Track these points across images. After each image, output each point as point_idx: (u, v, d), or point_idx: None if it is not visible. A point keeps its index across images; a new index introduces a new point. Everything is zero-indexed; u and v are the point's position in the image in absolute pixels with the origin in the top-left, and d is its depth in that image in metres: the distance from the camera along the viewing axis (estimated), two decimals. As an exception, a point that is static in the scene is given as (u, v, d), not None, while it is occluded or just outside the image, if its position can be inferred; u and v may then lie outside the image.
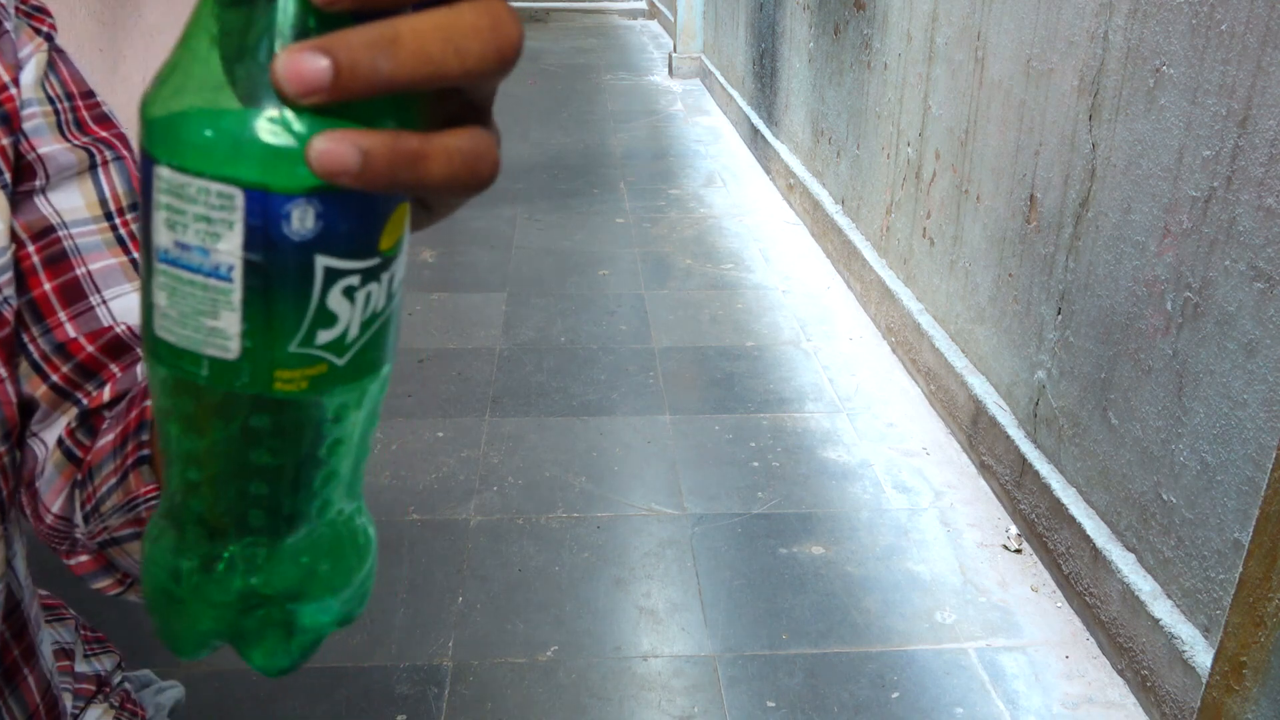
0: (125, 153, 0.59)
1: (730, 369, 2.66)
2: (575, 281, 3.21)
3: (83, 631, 0.76)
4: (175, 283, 0.28)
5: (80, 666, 0.73)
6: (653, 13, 9.02)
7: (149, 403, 0.51)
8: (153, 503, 0.50)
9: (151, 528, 0.35)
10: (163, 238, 0.28)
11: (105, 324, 0.56)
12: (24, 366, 0.55)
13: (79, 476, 0.55)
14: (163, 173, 0.27)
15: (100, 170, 0.57)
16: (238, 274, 0.27)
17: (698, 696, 1.60)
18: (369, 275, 0.29)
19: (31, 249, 0.55)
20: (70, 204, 0.56)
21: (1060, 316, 1.87)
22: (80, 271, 0.55)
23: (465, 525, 2.01)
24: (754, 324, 2.93)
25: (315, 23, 0.26)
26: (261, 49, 0.26)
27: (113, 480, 0.52)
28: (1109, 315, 1.70)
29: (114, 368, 0.56)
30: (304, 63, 0.25)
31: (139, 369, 0.56)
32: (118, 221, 0.57)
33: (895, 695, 1.61)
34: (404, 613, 1.77)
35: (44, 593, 0.76)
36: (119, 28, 3.42)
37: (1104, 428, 1.72)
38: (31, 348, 0.55)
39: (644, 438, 2.33)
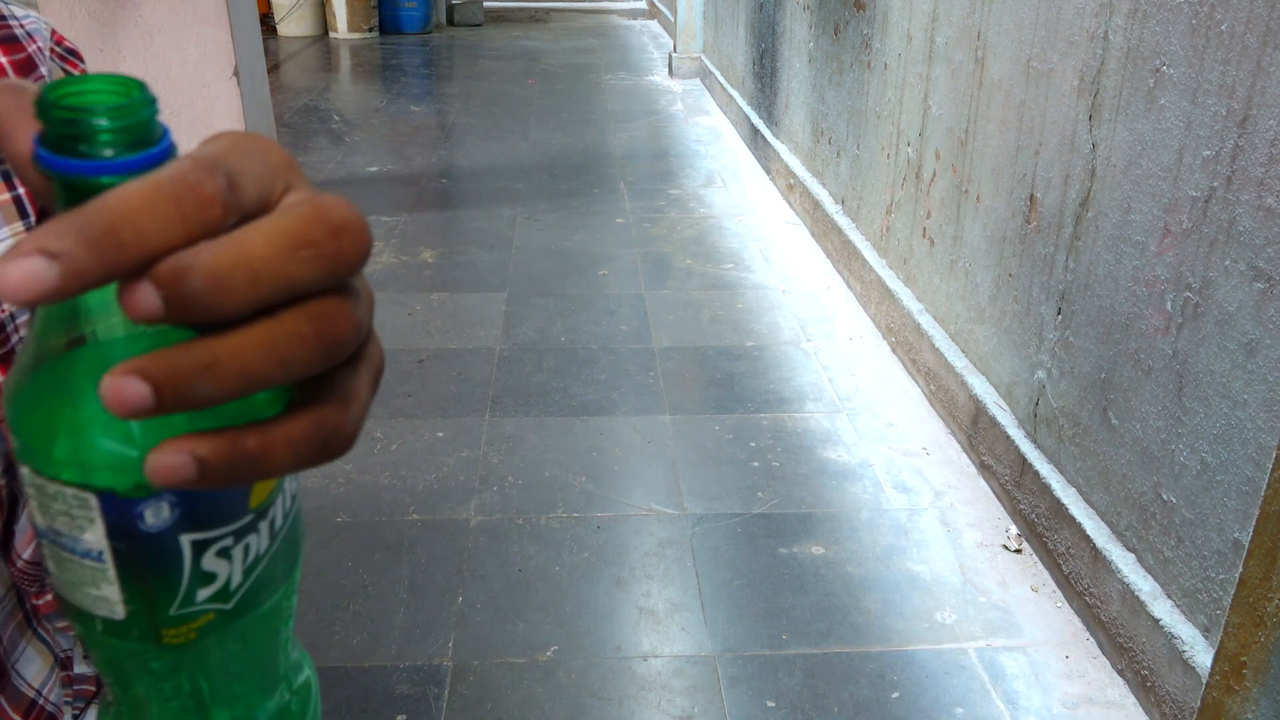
0: None
1: (730, 369, 2.66)
2: (575, 281, 3.21)
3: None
4: (58, 557, 0.29)
5: (80, 668, 0.73)
6: (653, 13, 9.02)
7: None
8: None
9: (100, 712, 0.36)
10: (39, 520, 0.29)
11: None
12: None
13: None
14: (25, 473, 0.28)
15: None
16: (108, 557, 0.28)
17: (698, 696, 1.60)
18: (243, 532, 0.29)
19: None
20: None
21: (1060, 316, 1.87)
22: None
23: (465, 525, 2.01)
24: (754, 324, 2.93)
25: (136, 334, 0.26)
26: (95, 357, 0.27)
27: None
28: (1109, 315, 1.70)
29: None
30: (125, 388, 0.24)
31: None
32: None
33: (895, 695, 1.61)
34: (404, 613, 1.77)
35: (49, 598, 0.76)
36: (119, 28, 3.42)
37: (1104, 428, 1.72)
38: None
39: (644, 438, 2.33)
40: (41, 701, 0.64)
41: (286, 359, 0.26)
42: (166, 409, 0.25)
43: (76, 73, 0.58)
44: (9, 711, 0.61)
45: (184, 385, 0.25)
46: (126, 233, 0.23)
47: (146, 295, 0.24)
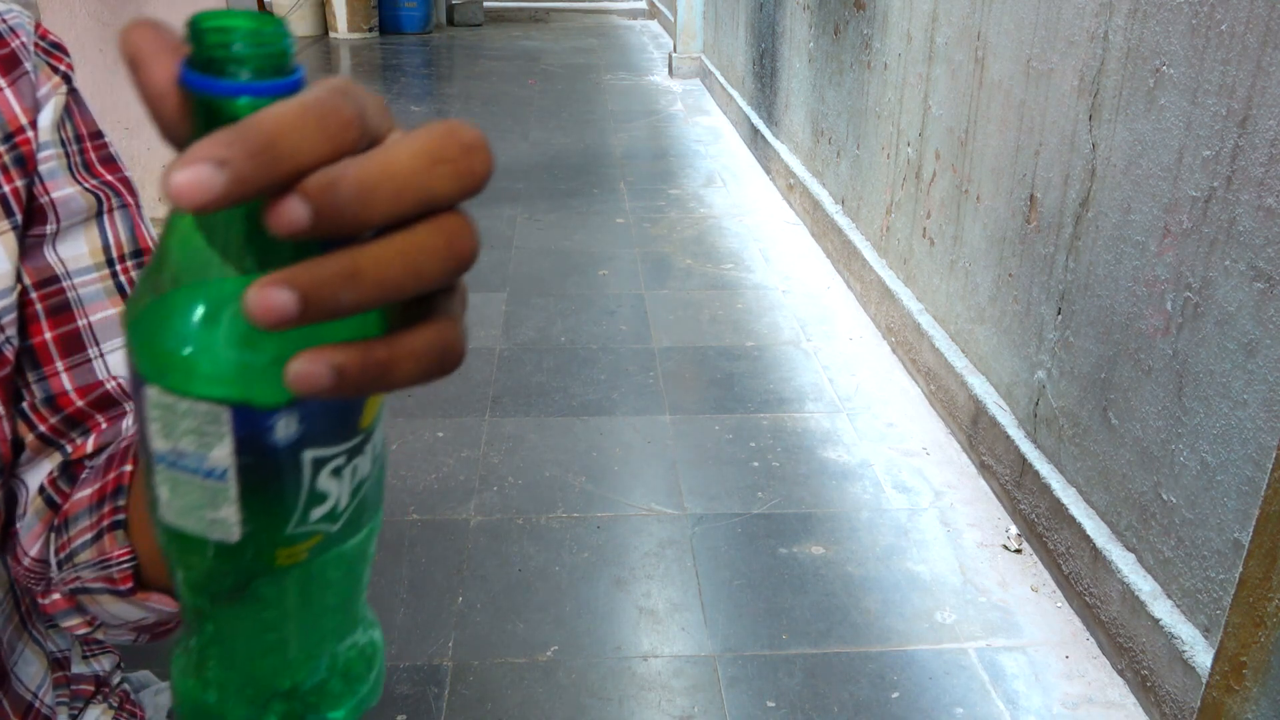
0: (130, 199, 0.60)
1: (730, 369, 2.66)
2: (575, 281, 3.21)
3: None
4: (175, 481, 0.30)
5: (78, 668, 0.73)
6: (653, 13, 9.02)
7: (127, 467, 0.52)
8: (125, 566, 0.51)
9: (178, 653, 0.37)
10: (159, 444, 0.29)
11: (99, 378, 0.57)
12: (15, 413, 0.56)
13: (56, 522, 0.55)
14: (152, 393, 0.29)
15: (106, 217, 0.58)
16: (232, 475, 0.29)
17: (698, 696, 1.60)
18: (354, 452, 0.31)
19: (35, 296, 0.55)
20: (75, 252, 0.57)
21: (1060, 316, 1.87)
22: (81, 323, 0.56)
23: (465, 525, 2.01)
24: (754, 324, 2.93)
25: (277, 249, 0.27)
26: (231, 276, 0.28)
27: (87, 536, 0.53)
28: (1109, 315, 1.70)
29: (100, 419, 0.57)
30: (271, 297, 0.25)
31: (124, 423, 0.57)
32: (119, 268, 0.58)
33: (895, 695, 1.61)
34: (404, 613, 1.77)
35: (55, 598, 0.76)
36: (119, 28, 3.41)
37: (1104, 428, 1.72)
38: (25, 394, 0.56)
39: (644, 438, 2.33)
40: (38, 704, 0.64)
41: (420, 270, 0.27)
42: (309, 318, 0.26)
43: (61, 68, 0.58)
44: (9, 713, 0.61)
45: (328, 293, 0.26)
46: (283, 146, 0.25)
47: (295, 208, 0.25)
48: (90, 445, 0.56)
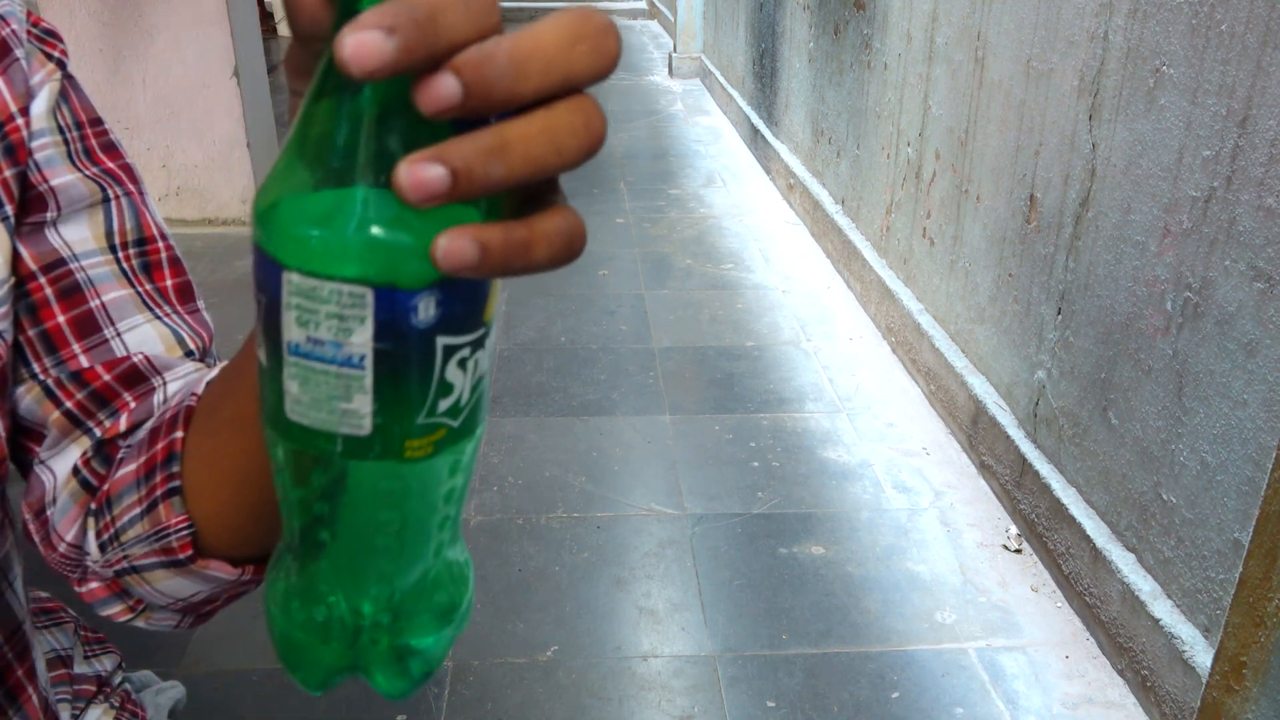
0: (133, 188, 0.59)
1: (730, 369, 2.66)
2: (575, 281, 3.21)
3: (82, 633, 0.76)
4: (308, 373, 0.30)
5: (80, 668, 0.73)
6: (653, 13, 9.02)
7: (178, 434, 0.51)
8: (185, 533, 0.51)
9: (276, 580, 0.37)
10: (294, 334, 0.30)
11: (120, 354, 0.56)
12: (35, 393, 0.55)
13: (94, 506, 0.54)
14: (292, 278, 0.29)
15: (112, 204, 0.57)
16: (369, 362, 0.29)
17: (698, 696, 1.60)
18: (477, 345, 0.31)
19: (43, 280, 0.55)
20: (79, 235, 0.56)
21: (1060, 316, 1.87)
22: (94, 304, 0.55)
23: (465, 525, 2.01)
24: (754, 324, 2.93)
25: (422, 128, 0.28)
26: (375, 157, 0.28)
27: (136, 510, 0.52)
28: (1109, 315, 1.70)
29: (128, 397, 0.56)
30: (424, 172, 0.26)
31: (155, 399, 0.56)
32: (120, 255, 0.57)
33: (895, 695, 1.61)
34: (404, 613, 1.77)
35: (44, 595, 0.76)
36: (119, 28, 3.42)
37: (1104, 428, 1.72)
38: (44, 376, 0.55)
39: (644, 438, 2.33)
40: (50, 701, 0.65)
41: (561, 147, 0.28)
42: (460, 193, 0.27)
43: (55, 54, 0.57)
44: (35, 708, 0.62)
45: (478, 167, 0.27)
46: (442, 21, 0.26)
47: (448, 83, 0.26)
48: (123, 424, 0.55)
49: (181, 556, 0.51)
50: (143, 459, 0.52)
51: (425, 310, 0.29)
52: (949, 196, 2.40)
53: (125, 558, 0.53)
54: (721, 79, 5.50)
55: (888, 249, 2.87)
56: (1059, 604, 1.81)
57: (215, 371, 0.53)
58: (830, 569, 1.90)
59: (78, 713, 0.70)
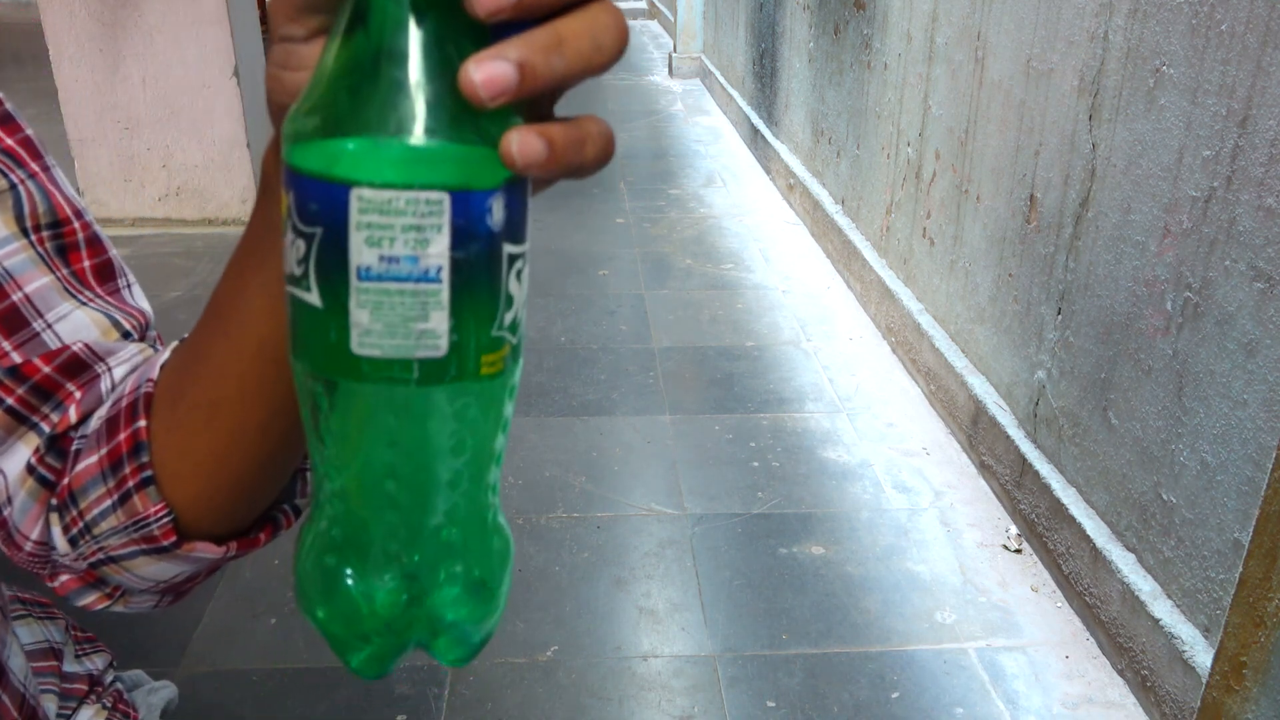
0: (36, 166, 0.56)
1: (730, 369, 2.66)
2: (575, 281, 3.21)
3: (73, 632, 0.76)
4: (381, 297, 0.30)
5: (70, 666, 0.73)
6: (653, 13, 9.01)
7: (141, 423, 0.50)
8: (165, 521, 0.50)
9: (316, 554, 0.37)
10: (365, 256, 0.29)
11: (56, 345, 0.53)
12: None
13: (55, 502, 0.53)
14: (364, 194, 0.29)
15: (20, 189, 0.54)
16: (445, 273, 0.30)
17: (698, 696, 1.60)
18: (525, 258, 0.32)
19: None
20: None
21: (1060, 316, 1.87)
22: (17, 297, 0.53)
23: (465, 525, 2.01)
24: (754, 324, 2.93)
25: (469, 38, 0.29)
26: (435, 66, 0.29)
27: (107, 503, 0.51)
28: (1109, 315, 1.70)
29: (72, 388, 0.54)
30: (493, 69, 0.28)
31: (102, 386, 0.54)
32: (33, 239, 0.55)
33: (895, 695, 1.61)
34: (404, 613, 1.77)
35: (31, 594, 0.75)
36: (119, 28, 3.42)
37: (1104, 428, 1.72)
38: None
39: (644, 438, 2.33)
40: (28, 695, 0.64)
41: (603, 45, 0.30)
42: (525, 88, 0.28)
43: None
44: (9, 707, 0.61)
45: (541, 62, 0.29)
46: None
47: None
48: (73, 415, 0.53)
49: (165, 544, 0.51)
50: (105, 450, 0.51)
51: (495, 212, 0.30)
52: (949, 196, 2.40)
53: (100, 549, 0.53)
54: (721, 79, 5.50)
55: (888, 249, 2.87)
56: (1059, 604, 1.81)
57: (168, 354, 0.52)
58: (830, 569, 1.90)
59: (68, 712, 0.70)
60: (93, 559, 0.54)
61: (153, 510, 0.50)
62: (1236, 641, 1.03)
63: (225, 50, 3.46)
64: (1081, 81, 1.76)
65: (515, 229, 0.31)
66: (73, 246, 0.56)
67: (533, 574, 1.87)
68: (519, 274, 0.32)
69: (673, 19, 6.75)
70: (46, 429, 0.53)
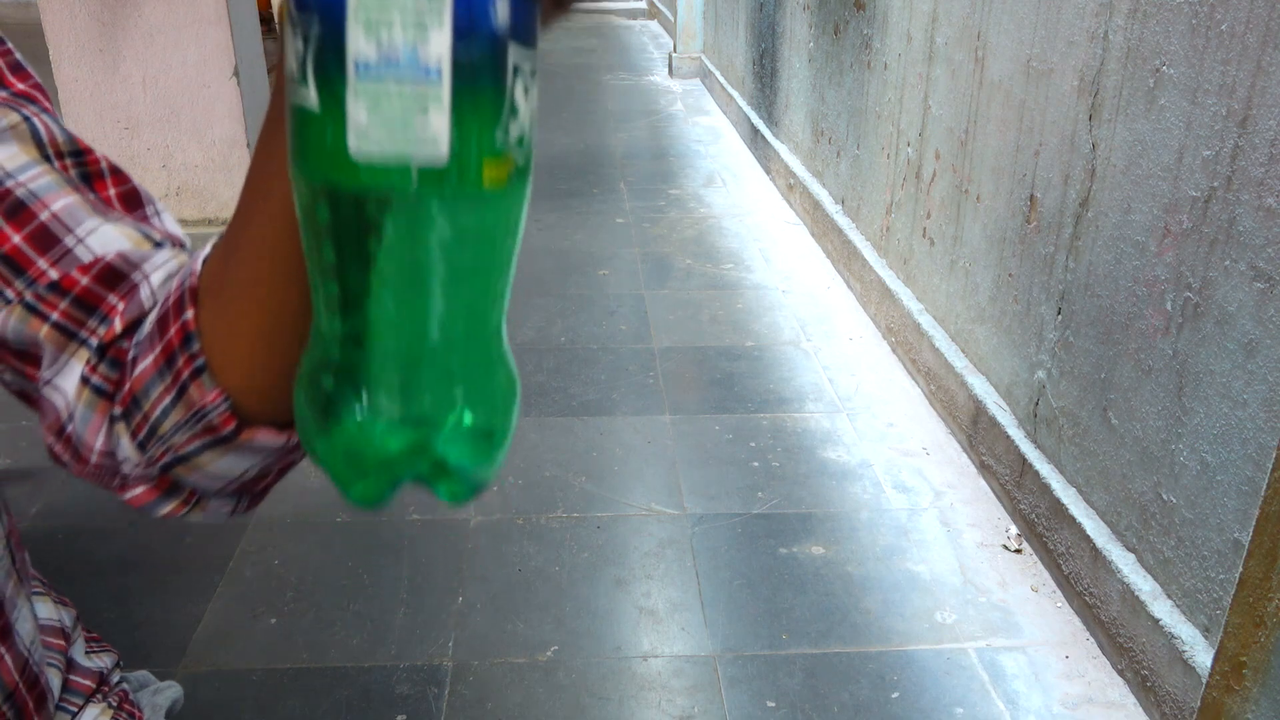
0: (48, 104, 0.57)
1: (730, 369, 2.66)
2: (575, 281, 3.21)
3: (82, 631, 0.76)
4: (379, 93, 0.29)
5: (79, 658, 0.73)
6: (653, 13, 9.01)
7: (188, 314, 0.50)
8: (223, 408, 0.50)
9: (314, 386, 0.36)
10: (363, 48, 0.29)
11: (90, 259, 0.54)
12: (18, 312, 0.53)
13: (117, 410, 0.53)
14: None
15: (35, 121, 0.55)
16: (446, 69, 0.29)
17: (698, 696, 1.60)
18: (532, 70, 0.31)
19: None
20: (8, 154, 0.54)
21: (1060, 316, 1.87)
22: (45, 216, 0.53)
23: (465, 525, 2.01)
24: (754, 324, 2.93)
25: None
26: None
27: (166, 400, 0.51)
28: (1109, 315, 1.70)
29: (113, 299, 0.54)
30: None
31: (141, 294, 0.54)
32: (58, 165, 0.55)
33: (895, 695, 1.61)
34: (404, 613, 1.77)
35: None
36: (119, 28, 3.42)
37: (1104, 428, 1.72)
38: (21, 296, 0.53)
39: (644, 438, 2.33)
40: (31, 661, 0.64)
41: None
42: None
43: None
44: (10, 667, 0.61)
45: None
46: None
47: None
48: (118, 326, 0.53)
49: (226, 431, 0.51)
50: (158, 349, 0.51)
51: (499, 8, 0.29)
52: (949, 196, 2.40)
53: (168, 449, 0.53)
54: (721, 79, 5.50)
55: (888, 249, 2.87)
56: (1059, 604, 1.81)
57: (208, 248, 0.52)
58: (830, 569, 1.90)
59: (75, 710, 0.70)
60: (163, 461, 0.54)
61: (210, 398, 0.50)
62: (1236, 641, 1.03)
63: (225, 50, 3.46)
64: (1081, 81, 1.76)
65: (521, 30, 0.30)
66: (97, 175, 0.57)
67: (533, 574, 1.87)
68: (525, 85, 0.31)
69: (673, 19, 6.75)
70: (94, 342, 0.54)
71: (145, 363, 0.52)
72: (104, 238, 0.54)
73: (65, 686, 0.70)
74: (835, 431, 2.37)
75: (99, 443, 0.54)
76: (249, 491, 0.57)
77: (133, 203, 0.58)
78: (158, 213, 0.59)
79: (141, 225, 0.57)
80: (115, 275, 0.54)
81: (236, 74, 3.49)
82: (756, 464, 2.23)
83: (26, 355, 0.55)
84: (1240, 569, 1.01)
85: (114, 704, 0.73)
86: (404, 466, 0.36)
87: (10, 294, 0.53)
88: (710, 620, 1.77)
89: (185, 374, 0.50)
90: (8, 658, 0.61)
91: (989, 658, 1.69)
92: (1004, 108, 2.08)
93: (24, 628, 0.63)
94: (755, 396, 2.52)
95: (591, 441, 2.31)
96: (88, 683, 0.72)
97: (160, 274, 0.55)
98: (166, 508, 0.56)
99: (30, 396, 0.57)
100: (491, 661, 1.67)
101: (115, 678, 0.76)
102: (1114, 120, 1.66)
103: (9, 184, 0.53)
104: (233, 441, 0.51)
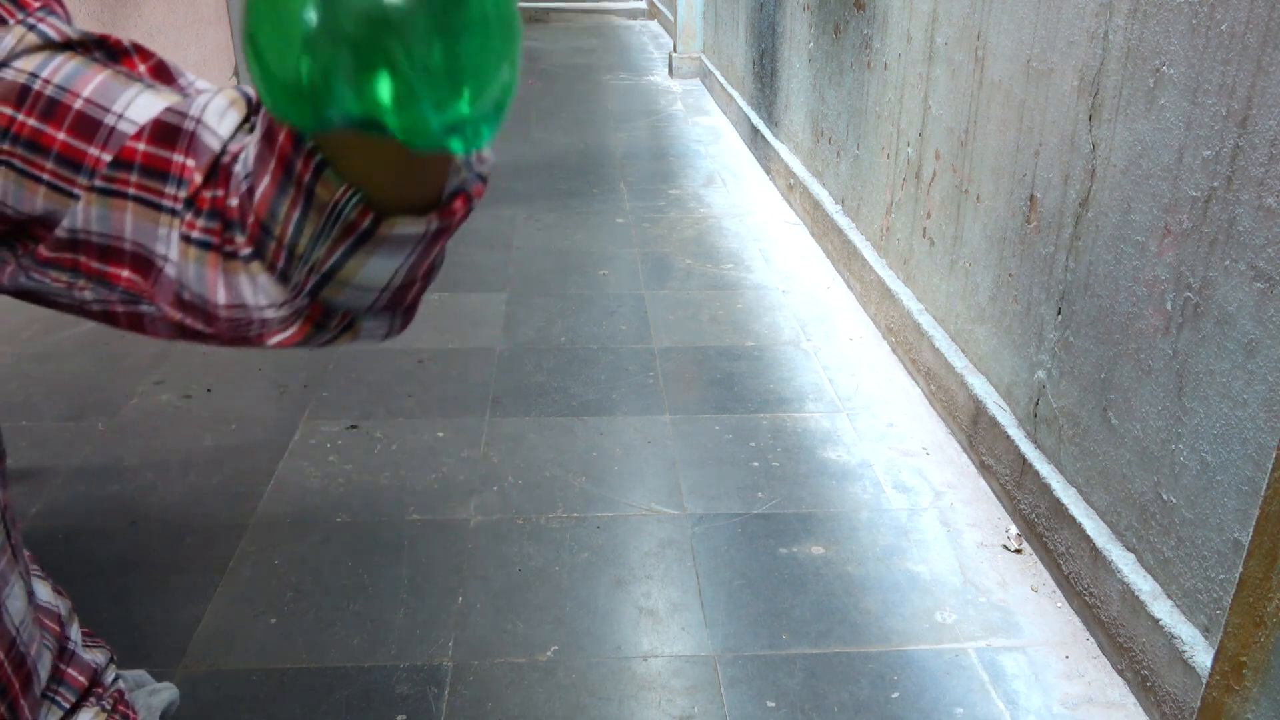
0: (58, 7, 0.56)
1: (730, 369, 2.66)
2: (575, 281, 3.21)
3: (76, 622, 0.76)
4: None
5: (76, 649, 0.73)
6: (653, 13, 9.01)
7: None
8: (355, 201, 0.48)
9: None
10: None
11: (135, 129, 0.53)
12: (95, 200, 0.52)
13: (246, 251, 0.52)
14: None
15: (40, 25, 0.54)
16: None
17: (698, 696, 1.60)
18: None
19: (21, 115, 0.52)
20: (27, 60, 0.53)
21: (1060, 316, 1.87)
22: (79, 105, 0.53)
23: (465, 525, 2.01)
24: (754, 324, 2.93)
25: None
26: None
27: (297, 213, 0.50)
28: (1109, 315, 1.70)
29: (179, 158, 0.53)
30: None
31: (205, 138, 0.53)
32: (80, 51, 0.55)
33: (895, 695, 1.61)
34: (404, 613, 1.77)
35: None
36: (119, 28, 3.41)
37: (1104, 428, 1.72)
38: (93, 182, 0.52)
39: (644, 438, 2.33)
40: (18, 639, 0.64)
41: None
42: None
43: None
44: None
45: None
46: None
47: None
48: (198, 178, 0.52)
49: (365, 224, 0.49)
50: (271, 164, 0.49)
51: None
52: (949, 196, 2.40)
53: (312, 270, 0.51)
54: (721, 79, 5.50)
55: (888, 249, 2.87)
56: (1059, 604, 1.81)
57: None
58: (830, 569, 1.90)
59: (70, 708, 0.70)
60: (309, 285, 0.52)
61: (339, 194, 0.48)
62: (1236, 641, 1.03)
63: (225, 50, 3.46)
64: (1081, 81, 1.76)
65: None
66: (123, 54, 0.56)
67: (533, 574, 1.87)
68: None
69: (673, 19, 6.75)
70: (179, 206, 0.53)
71: (262, 185, 0.50)
72: (143, 104, 0.54)
73: (57, 676, 0.70)
74: (835, 431, 2.37)
75: (222, 297, 0.53)
76: (400, 304, 0.56)
77: (165, 75, 0.57)
78: (192, 82, 0.58)
79: (178, 91, 0.56)
80: (169, 131, 0.53)
81: (236, 74, 3.50)
82: (756, 464, 2.23)
83: (110, 252, 0.54)
84: (1240, 569, 1.01)
85: (108, 706, 0.72)
86: (344, 59, 0.33)
87: (78, 191, 0.52)
88: (710, 620, 1.77)
89: (307, 177, 0.48)
90: None
91: (989, 658, 1.69)
92: (1004, 108, 2.08)
93: (14, 605, 0.62)
94: (755, 396, 2.52)
95: (591, 441, 2.31)
96: (81, 679, 0.72)
97: (213, 110, 0.54)
98: (321, 338, 0.55)
99: (112, 311, 0.56)
100: (491, 661, 1.67)
101: (109, 676, 0.75)
102: (1114, 120, 1.66)
103: (35, 85, 0.52)
104: (374, 235, 0.49)
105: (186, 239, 0.53)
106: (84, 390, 2.53)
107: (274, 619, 1.76)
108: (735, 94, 5.10)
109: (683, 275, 3.28)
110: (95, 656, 0.75)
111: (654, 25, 8.70)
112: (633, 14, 9.25)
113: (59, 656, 0.70)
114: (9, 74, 0.52)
